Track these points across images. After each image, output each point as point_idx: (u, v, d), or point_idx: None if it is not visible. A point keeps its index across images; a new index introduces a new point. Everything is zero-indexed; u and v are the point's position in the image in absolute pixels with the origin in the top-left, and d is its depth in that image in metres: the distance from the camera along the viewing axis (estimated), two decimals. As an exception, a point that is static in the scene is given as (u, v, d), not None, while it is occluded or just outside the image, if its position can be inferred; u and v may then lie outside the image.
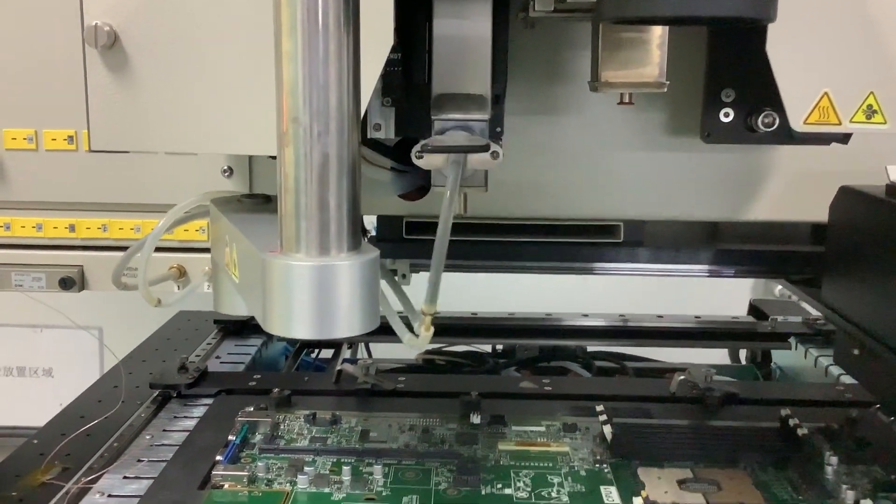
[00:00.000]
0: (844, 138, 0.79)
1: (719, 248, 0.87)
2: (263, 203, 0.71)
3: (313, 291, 0.49)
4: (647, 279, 1.84)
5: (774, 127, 0.77)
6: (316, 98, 0.49)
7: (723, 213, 0.84)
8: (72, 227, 0.87)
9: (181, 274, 0.86)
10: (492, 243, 0.78)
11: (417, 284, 0.93)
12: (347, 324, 0.50)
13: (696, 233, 0.93)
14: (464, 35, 0.67)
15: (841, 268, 0.77)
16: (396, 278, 0.94)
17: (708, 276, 0.89)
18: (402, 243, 0.85)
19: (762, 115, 0.77)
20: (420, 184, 0.84)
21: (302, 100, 0.49)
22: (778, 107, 0.70)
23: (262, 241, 0.54)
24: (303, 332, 0.50)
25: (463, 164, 0.63)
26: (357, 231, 0.53)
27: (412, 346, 0.63)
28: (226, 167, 0.84)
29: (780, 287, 1.78)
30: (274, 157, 0.51)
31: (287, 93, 0.49)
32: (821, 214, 0.81)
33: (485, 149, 0.63)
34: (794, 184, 0.85)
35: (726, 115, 0.79)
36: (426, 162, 0.64)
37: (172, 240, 0.86)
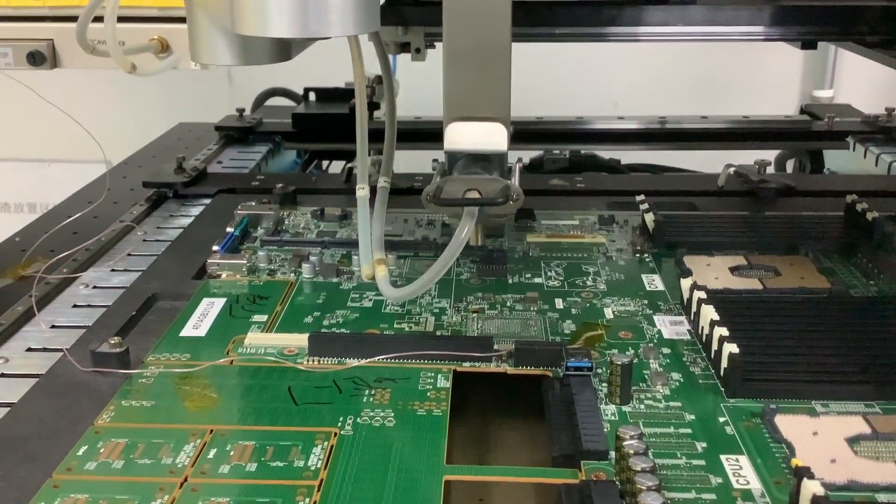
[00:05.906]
0: None
1: (781, 5, 0.74)
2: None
3: (292, -26, 0.38)
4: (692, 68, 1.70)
5: None
6: None
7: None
8: (37, -6, 0.75)
9: (163, 47, 0.75)
10: (514, 5, 0.64)
11: (434, 59, 0.81)
12: (339, 20, 0.39)
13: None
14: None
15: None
16: (409, 54, 0.83)
17: (766, 40, 0.77)
18: (417, 7, 0.73)
19: None
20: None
21: None
22: None
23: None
24: (282, 27, 0.39)
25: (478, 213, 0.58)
26: None
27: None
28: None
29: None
30: None
31: None
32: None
33: (501, 202, 0.58)
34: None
35: None
36: (436, 208, 0.60)
37: (151, 7, 0.75)
